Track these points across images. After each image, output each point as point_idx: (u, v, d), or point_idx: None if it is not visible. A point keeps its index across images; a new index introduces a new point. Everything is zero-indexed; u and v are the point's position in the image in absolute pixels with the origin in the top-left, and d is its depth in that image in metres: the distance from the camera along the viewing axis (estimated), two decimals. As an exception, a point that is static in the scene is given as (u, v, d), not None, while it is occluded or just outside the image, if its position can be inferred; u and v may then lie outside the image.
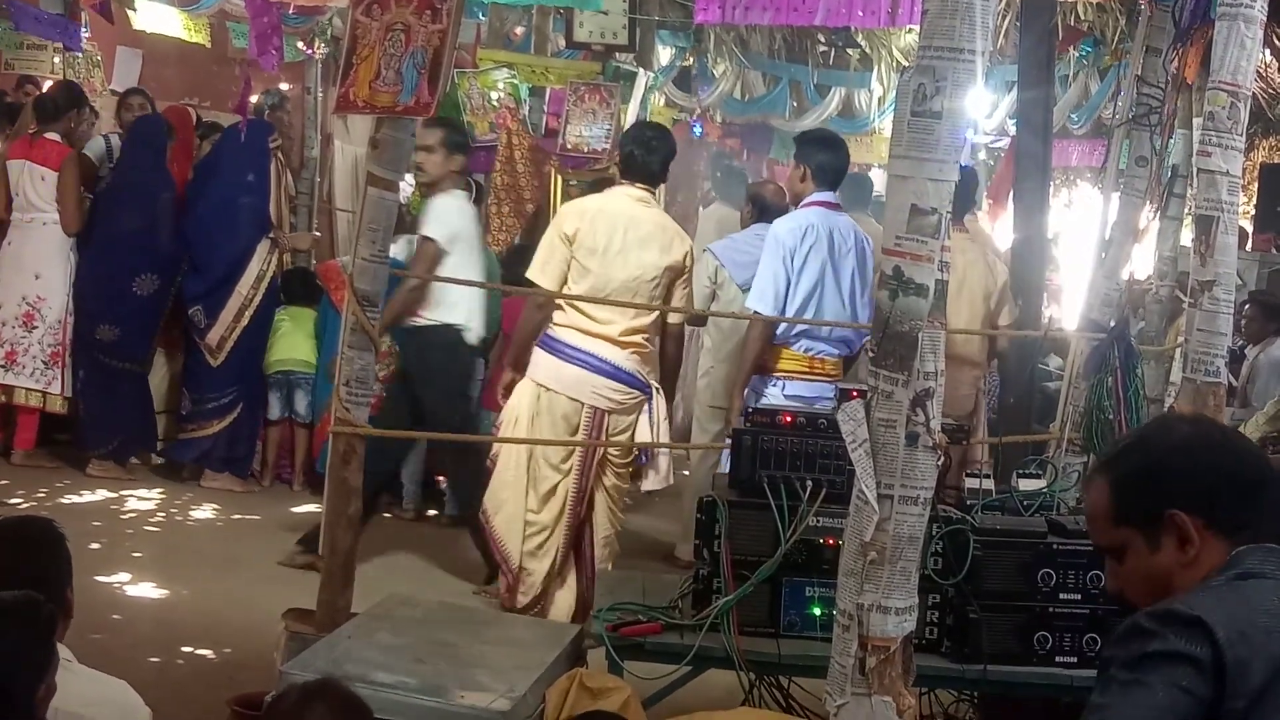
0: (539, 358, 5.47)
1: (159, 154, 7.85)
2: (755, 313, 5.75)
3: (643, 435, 5.48)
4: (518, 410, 5.46)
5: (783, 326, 5.71)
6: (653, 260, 5.45)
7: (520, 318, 5.89)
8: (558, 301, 5.45)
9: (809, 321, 5.67)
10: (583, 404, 5.39)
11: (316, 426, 7.76)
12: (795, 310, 5.67)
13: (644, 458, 5.56)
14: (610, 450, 5.45)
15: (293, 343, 8.00)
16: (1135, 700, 1.94)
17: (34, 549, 3.17)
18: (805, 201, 5.78)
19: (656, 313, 5.49)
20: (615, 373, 5.38)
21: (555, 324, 5.45)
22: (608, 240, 5.41)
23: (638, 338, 5.44)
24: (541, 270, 5.49)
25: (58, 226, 7.65)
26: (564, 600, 5.56)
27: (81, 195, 7.72)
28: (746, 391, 5.77)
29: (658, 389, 5.53)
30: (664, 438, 5.58)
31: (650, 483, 5.66)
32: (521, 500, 5.44)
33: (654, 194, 5.66)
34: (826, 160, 5.80)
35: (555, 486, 5.43)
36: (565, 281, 5.46)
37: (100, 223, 7.71)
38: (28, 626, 2.62)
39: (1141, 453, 2.25)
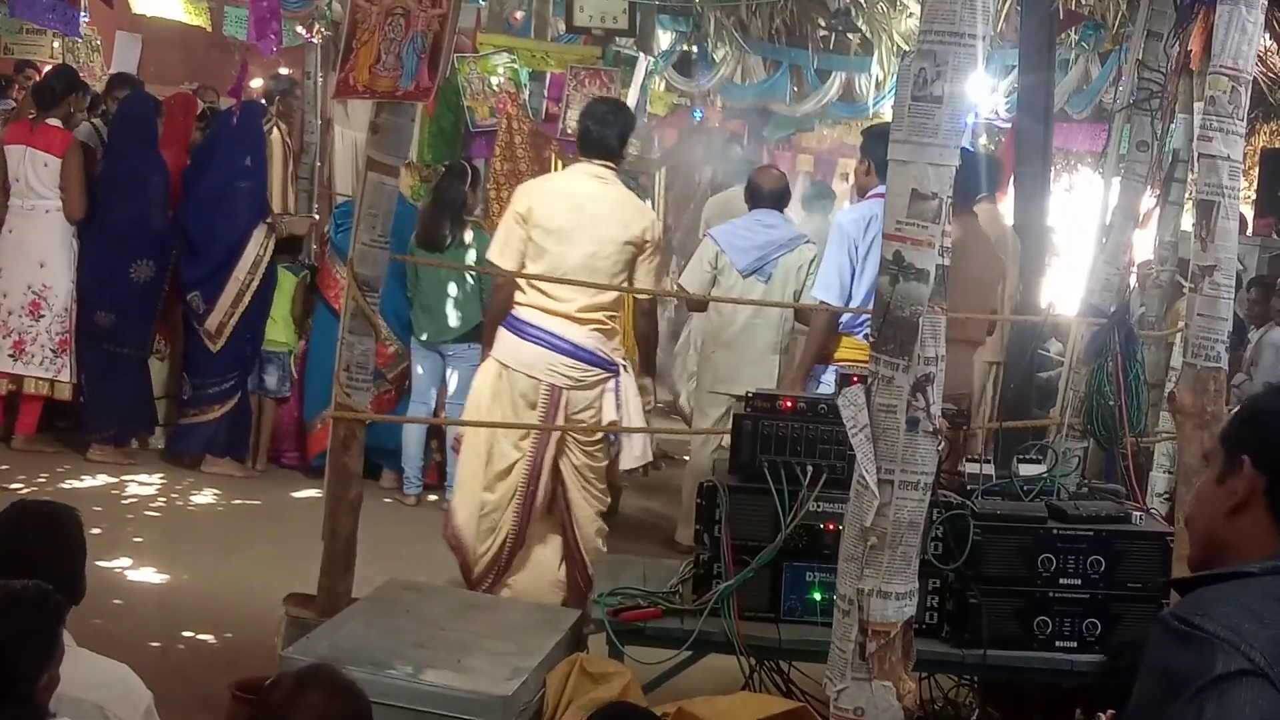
0: (502, 336, 5.46)
1: (149, 136, 7.79)
2: (822, 303, 5.70)
3: (608, 413, 5.43)
4: (481, 388, 5.47)
5: (847, 315, 5.68)
6: (611, 236, 5.39)
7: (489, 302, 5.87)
8: (519, 281, 5.42)
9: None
10: (540, 381, 5.36)
11: (312, 431, 7.76)
12: (860, 298, 5.63)
13: (614, 436, 5.49)
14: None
15: None
16: None
17: (62, 533, 3.22)
18: (870, 193, 5.77)
19: (618, 290, 5.45)
20: (574, 350, 5.35)
21: (517, 303, 5.43)
22: (562, 219, 5.36)
23: (598, 315, 5.39)
24: (500, 252, 5.47)
25: (60, 214, 7.61)
26: (521, 584, 5.49)
27: (85, 181, 7.69)
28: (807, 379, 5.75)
29: (625, 366, 5.49)
30: (635, 414, 5.51)
31: (626, 461, 5.59)
32: (479, 483, 5.43)
33: (614, 169, 5.55)
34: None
35: (512, 466, 5.40)
36: (524, 262, 5.42)
37: (96, 209, 7.67)
38: (36, 616, 2.63)
39: None
